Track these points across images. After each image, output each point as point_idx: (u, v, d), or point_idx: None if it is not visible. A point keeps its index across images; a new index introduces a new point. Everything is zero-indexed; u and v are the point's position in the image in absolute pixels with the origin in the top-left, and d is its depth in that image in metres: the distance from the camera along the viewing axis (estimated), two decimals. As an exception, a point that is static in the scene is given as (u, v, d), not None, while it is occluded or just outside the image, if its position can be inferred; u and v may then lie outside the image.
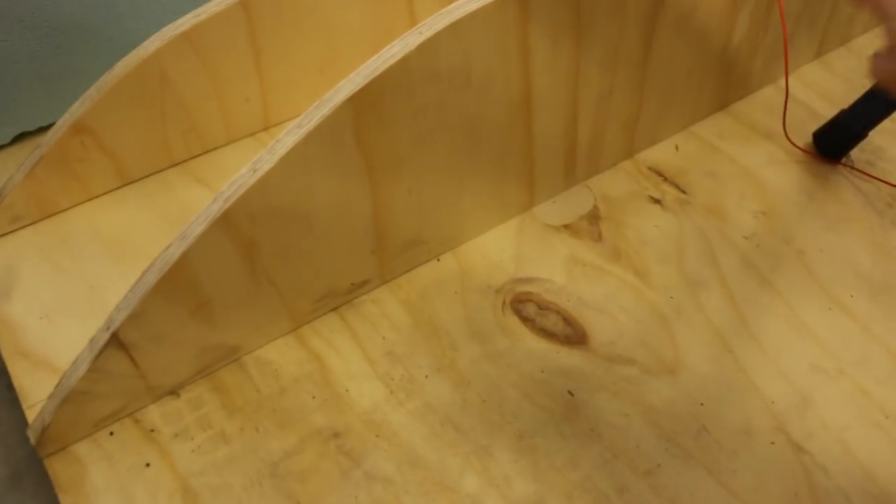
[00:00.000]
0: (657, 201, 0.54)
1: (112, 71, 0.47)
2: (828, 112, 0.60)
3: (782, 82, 0.63)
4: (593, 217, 0.52)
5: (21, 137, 0.55)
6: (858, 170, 0.58)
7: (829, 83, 0.66)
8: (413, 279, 0.48)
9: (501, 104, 0.44)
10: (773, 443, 0.42)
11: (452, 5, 0.39)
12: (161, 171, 0.53)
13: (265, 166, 0.36)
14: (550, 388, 0.44)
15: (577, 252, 0.50)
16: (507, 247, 0.50)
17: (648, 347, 0.46)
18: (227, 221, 0.37)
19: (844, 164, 0.58)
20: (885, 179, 0.57)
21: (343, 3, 0.53)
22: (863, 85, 0.61)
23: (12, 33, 0.50)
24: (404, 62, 0.37)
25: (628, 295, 0.49)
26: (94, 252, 0.49)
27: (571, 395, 0.44)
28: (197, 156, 0.54)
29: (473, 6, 0.39)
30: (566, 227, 0.52)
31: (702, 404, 0.44)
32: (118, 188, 0.52)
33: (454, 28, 0.38)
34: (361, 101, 0.37)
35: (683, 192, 0.55)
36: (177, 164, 0.53)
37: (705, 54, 0.55)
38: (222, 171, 0.53)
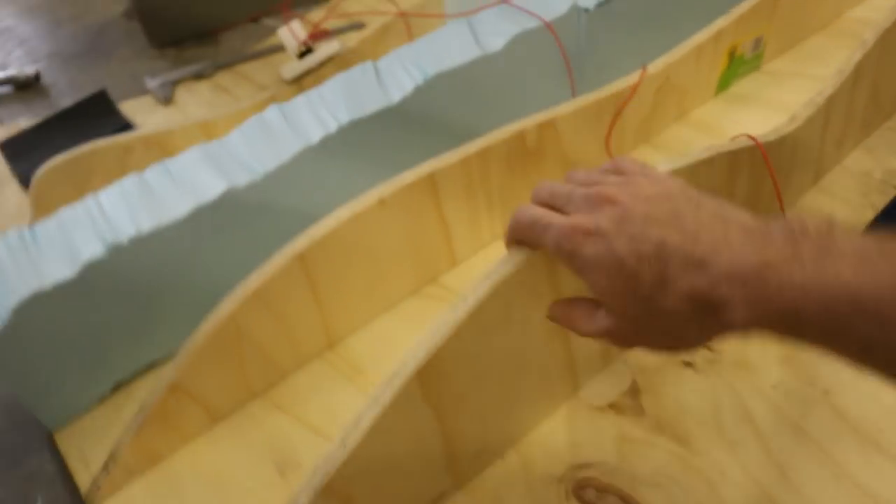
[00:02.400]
0: (689, 365, 0.59)
1: (196, 333, 0.54)
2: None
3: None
4: (633, 392, 0.58)
5: (118, 386, 0.63)
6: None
7: (829, 206, 0.71)
8: (484, 480, 0.54)
9: (539, 331, 0.50)
10: None
11: (489, 270, 0.45)
12: (244, 404, 0.59)
13: (352, 441, 0.42)
14: (621, 569, 0.49)
15: (625, 429, 0.56)
16: (561, 435, 0.56)
17: (702, 515, 0.51)
18: (328, 490, 0.43)
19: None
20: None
21: (384, 232, 0.60)
22: (860, 205, 0.66)
23: (110, 306, 0.57)
24: (458, 333, 0.44)
25: (676, 465, 0.54)
26: (199, 493, 0.55)
27: (641, 573, 0.49)
28: (273, 384, 0.61)
29: (509, 268, 0.45)
30: (611, 406, 0.57)
31: (759, 565, 0.49)
32: (210, 429, 0.58)
33: (496, 292, 0.45)
34: (425, 372, 0.43)
35: (710, 349, 0.60)
36: (257, 397, 0.60)
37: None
38: (297, 395, 0.60)
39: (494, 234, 0.70)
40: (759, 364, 0.59)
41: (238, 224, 0.61)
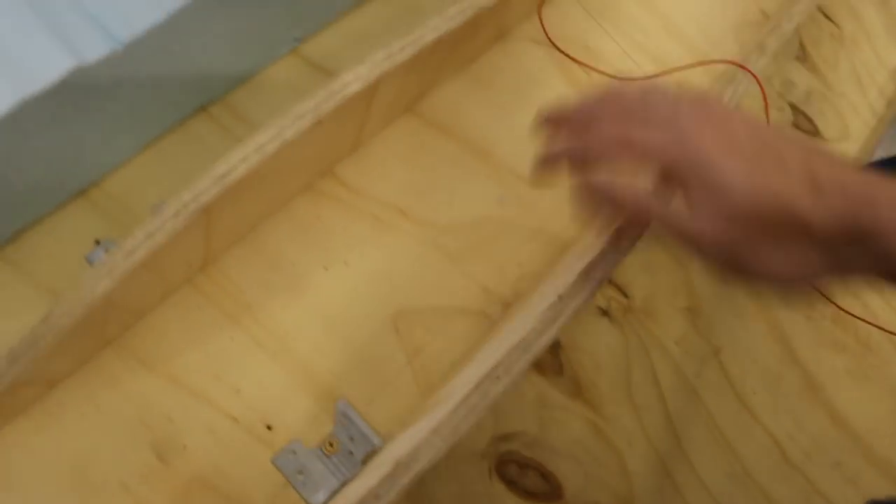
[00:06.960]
0: (605, 313, 0.56)
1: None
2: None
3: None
4: (554, 346, 0.54)
5: None
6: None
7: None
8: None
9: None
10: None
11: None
12: (92, 356, 0.44)
13: None
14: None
15: (545, 392, 0.52)
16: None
17: (609, 487, 0.52)
18: None
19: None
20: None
21: (304, 149, 0.44)
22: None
23: None
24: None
25: (590, 435, 0.53)
26: (50, 492, 0.42)
27: (557, 552, 0.50)
28: (128, 326, 0.45)
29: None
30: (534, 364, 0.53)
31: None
32: (47, 396, 0.42)
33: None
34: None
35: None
36: (109, 345, 0.44)
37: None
38: (163, 341, 0.45)
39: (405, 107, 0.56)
40: (664, 313, 0.58)
41: (85, 109, 0.41)
